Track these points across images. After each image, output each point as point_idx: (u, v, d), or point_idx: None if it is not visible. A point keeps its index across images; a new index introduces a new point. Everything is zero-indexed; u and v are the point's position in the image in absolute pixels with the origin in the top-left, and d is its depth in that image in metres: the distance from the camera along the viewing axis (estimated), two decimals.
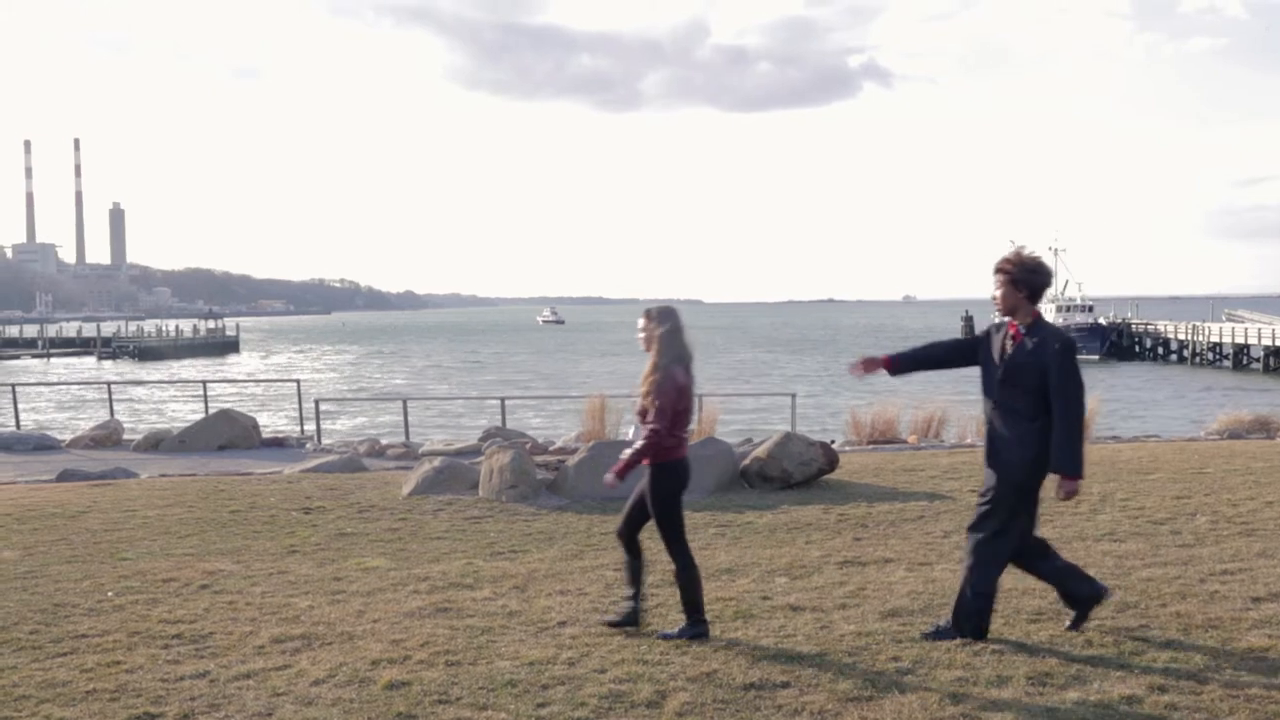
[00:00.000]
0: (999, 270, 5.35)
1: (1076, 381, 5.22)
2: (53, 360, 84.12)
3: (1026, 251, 5.38)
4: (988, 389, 5.44)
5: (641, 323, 5.59)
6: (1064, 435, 5.17)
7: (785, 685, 4.80)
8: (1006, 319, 5.40)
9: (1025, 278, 5.30)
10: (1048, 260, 5.37)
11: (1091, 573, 6.71)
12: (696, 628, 5.53)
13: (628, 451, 5.50)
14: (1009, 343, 5.36)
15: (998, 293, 5.38)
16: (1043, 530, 8.22)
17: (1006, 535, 5.35)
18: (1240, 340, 59.16)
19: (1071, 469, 5.19)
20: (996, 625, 5.55)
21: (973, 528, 5.45)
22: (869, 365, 5.68)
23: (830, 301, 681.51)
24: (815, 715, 4.45)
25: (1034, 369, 5.23)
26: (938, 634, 5.41)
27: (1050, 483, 5.31)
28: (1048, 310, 70.80)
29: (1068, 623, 5.51)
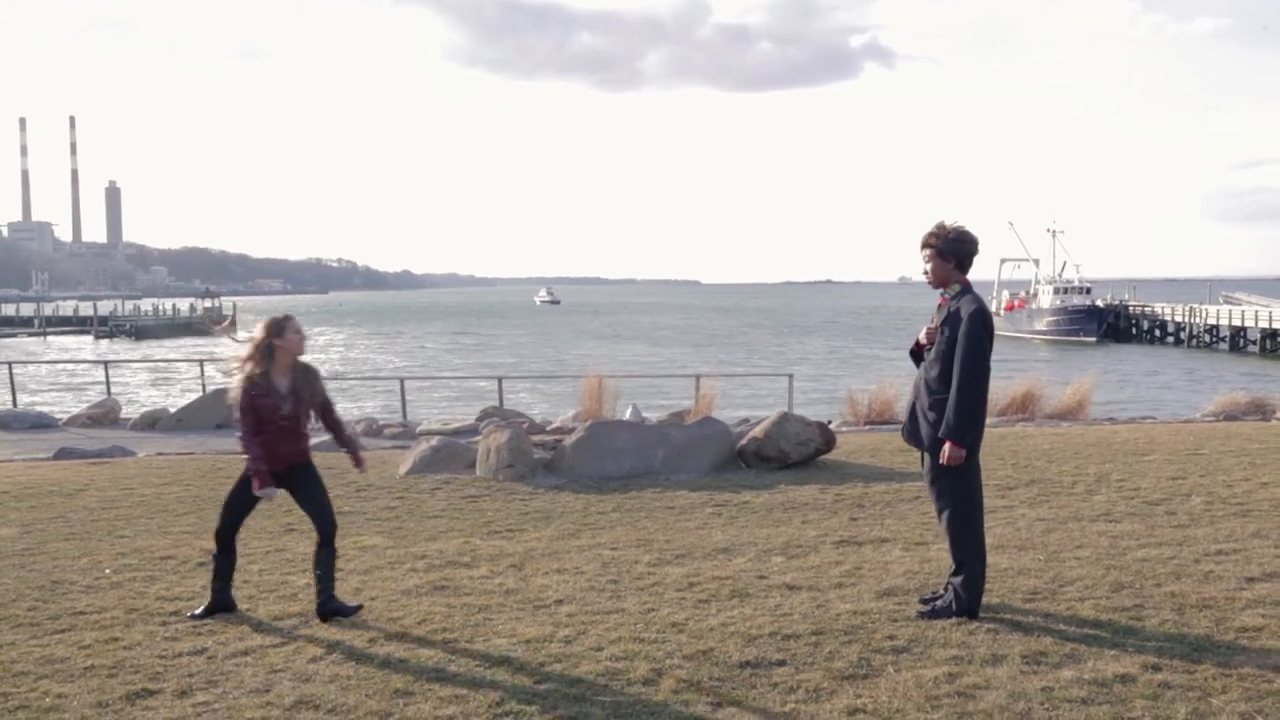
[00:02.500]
0: (925, 245, 5.44)
1: (978, 350, 5.23)
2: (49, 339, 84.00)
3: (949, 223, 5.44)
4: (917, 362, 5.60)
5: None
6: (953, 401, 5.24)
7: (781, 663, 4.82)
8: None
9: (951, 248, 5.38)
10: (975, 231, 5.48)
11: (1087, 553, 6.78)
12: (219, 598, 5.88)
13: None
14: (936, 314, 5.49)
15: (928, 267, 5.46)
16: (1039, 510, 8.28)
17: (970, 504, 5.41)
18: (1237, 323, 59.18)
19: (955, 435, 5.24)
20: (991, 604, 5.58)
21: (938, 512, 5.51)
22: (930, 333, 5.56)
23: (829, 283, 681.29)
24: (811, 693, 4.47)
25: (948, 338, 5.32)
26: (934, 614, 5.44)
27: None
28: (1045, 292, 71.12)
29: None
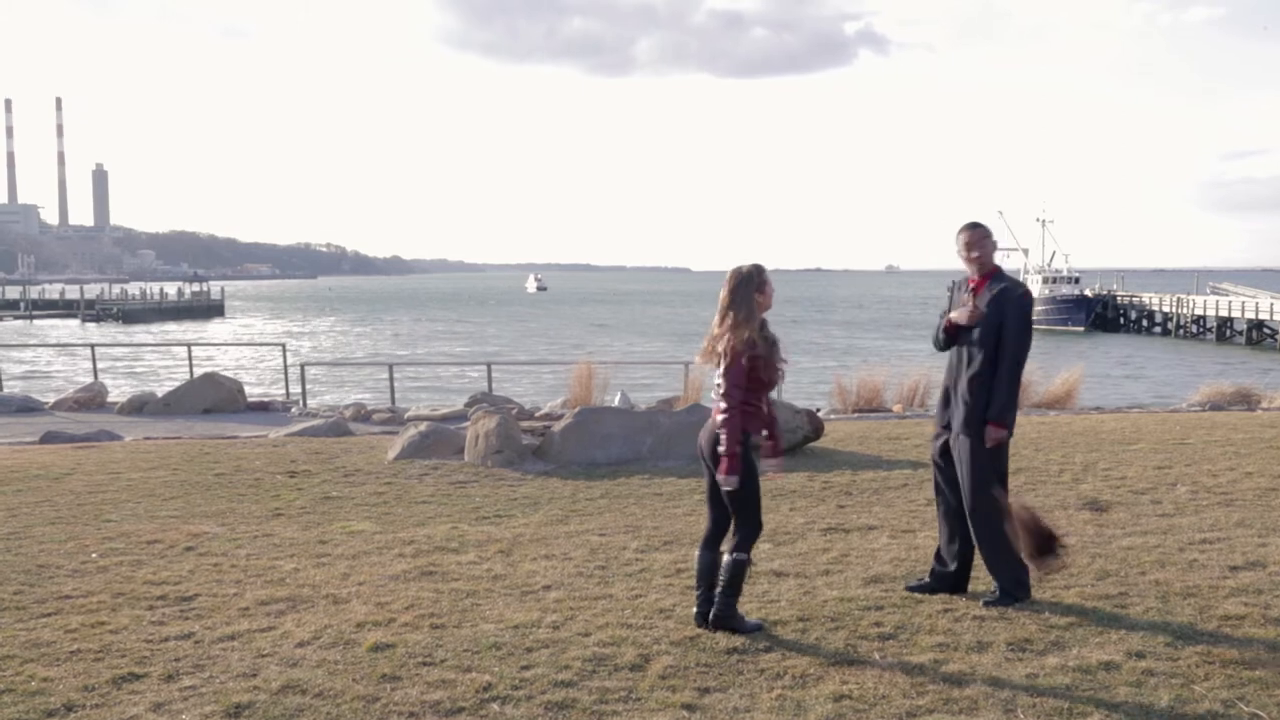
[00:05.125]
0: (977, 244, 5.47)
1: (1027, 334, 5.38)
2: (35, 322, 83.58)
3: (973, 223, 5.55)
4: (944, 346, 5.62)
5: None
6: (1002, 383, 5.33)
7: (768, 650, 4.84)
8: (965, 277, 5.61)
9: (992, 238, 5.55)
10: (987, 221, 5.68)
11: (1073, 541, 6.81)
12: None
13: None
14: (968, 295, 5.53)
15: (978, 255, 5.49)
16: (1027, 498, 8.29)
17: (1000, 486, 5.47)
18: (1224, 313, 59.47)
19: (1000, 416, 5.34)
20: (977, 591, 5.61)
21: (973, 502, 5.44)
22: (974, 315, 5.52)
23: (818, 271, 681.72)
24: (797, 679, 4.49)
25: (994, 322, 5.37)
26: (992, 602, 5.44)
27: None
28: (1034, 280, 71.53)
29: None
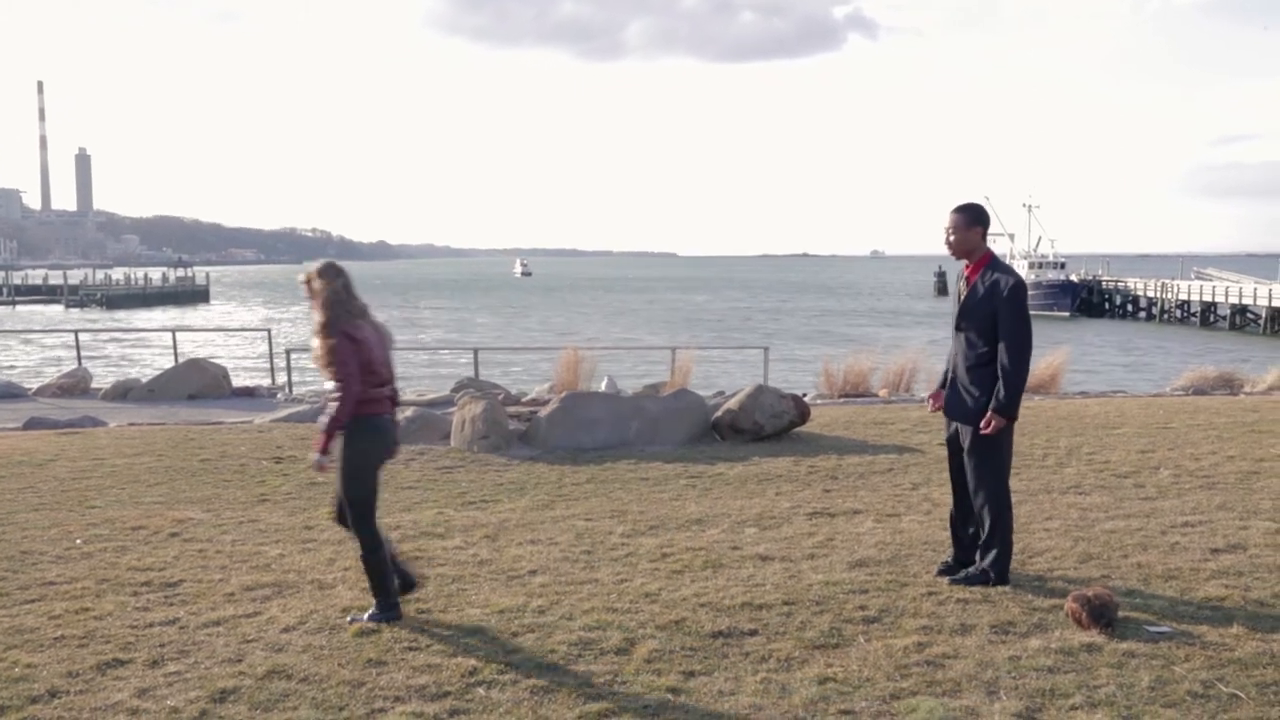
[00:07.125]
0: (949, 230, 5.49)
1: (1028, 325, 5.34)
2: (18, 308, 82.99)
3: (960, 205, 5.51)
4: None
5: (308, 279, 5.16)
6: (1009, 378, 5.31)
7: (753, 633, 4.86)
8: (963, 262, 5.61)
9: (980, 215, 5.50)
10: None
11: (1056, 525, 6.86)
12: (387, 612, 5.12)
13: (324, 420, 5.08)
14: (963, 284, 5.57)
15: (952, 238, 5.50)
16: (1011, 482, 8.33)
17: (1004, 473, 5.52)
18: (1208, 298, 59.82)
19: (1008, 411, 5.33)
20: (959, 575, 5.64)
21: (973, 484, 5.51)
22: (936, 399, 5.78)
23: (805, 256, 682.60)
24: (782, 663, 4.51)
25: (990, 312, 5.37)
26: (968, 579, 5.51)
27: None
28: (1020, 266, 71.94)
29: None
